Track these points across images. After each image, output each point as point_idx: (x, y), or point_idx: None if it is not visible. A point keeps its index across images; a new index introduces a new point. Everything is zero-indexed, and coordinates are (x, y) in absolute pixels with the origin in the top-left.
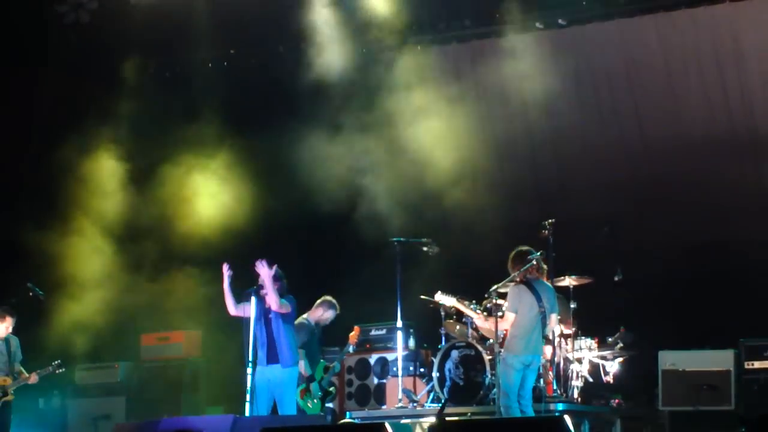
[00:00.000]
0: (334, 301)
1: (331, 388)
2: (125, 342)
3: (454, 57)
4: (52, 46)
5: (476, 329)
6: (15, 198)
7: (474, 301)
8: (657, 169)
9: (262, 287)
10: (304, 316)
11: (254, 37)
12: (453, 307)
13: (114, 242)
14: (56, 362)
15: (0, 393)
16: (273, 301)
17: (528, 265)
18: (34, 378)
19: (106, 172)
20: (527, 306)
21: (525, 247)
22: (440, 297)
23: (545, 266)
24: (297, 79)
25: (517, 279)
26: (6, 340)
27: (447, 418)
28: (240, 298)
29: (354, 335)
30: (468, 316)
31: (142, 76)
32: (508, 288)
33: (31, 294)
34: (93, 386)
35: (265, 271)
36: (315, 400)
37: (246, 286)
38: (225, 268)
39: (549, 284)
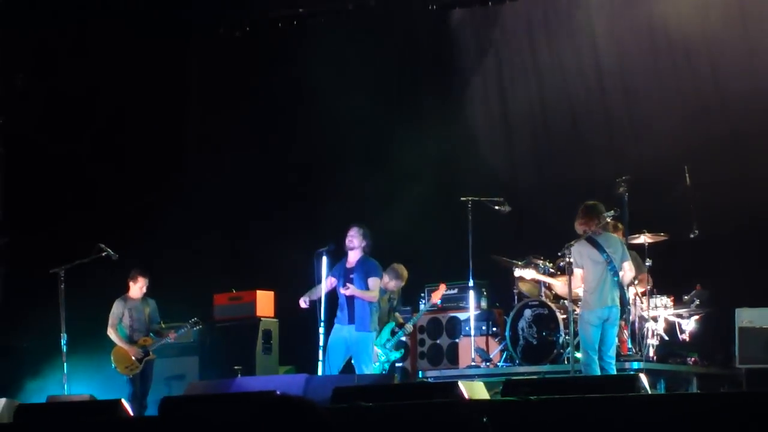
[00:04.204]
0: (401, 270)
1: (399, 349)
2: (198, 302)
3: (526, 12)
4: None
5: (549, 288)
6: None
7: (548, 260)
8: (734, 124)
9: (334, 247)
10: None
11: None
12: (533, 279)
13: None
14: (193, 320)
15: (143, 352)
16: (368, 298)
17: (599, 225)
18: (173, 336)
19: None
20: (589, 260)
21: (591, 202)
22: (519, 272)
23: (609, 221)
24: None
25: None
26: (144, 301)
27: (521, 377)
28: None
29: (438, 292)
30: (550, 284)
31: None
32: None
33: (103, 254)
34: (167, 346)
35: (350, 293)
36: (376, 363)
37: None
38: (303, 303)
39: (615, 236)
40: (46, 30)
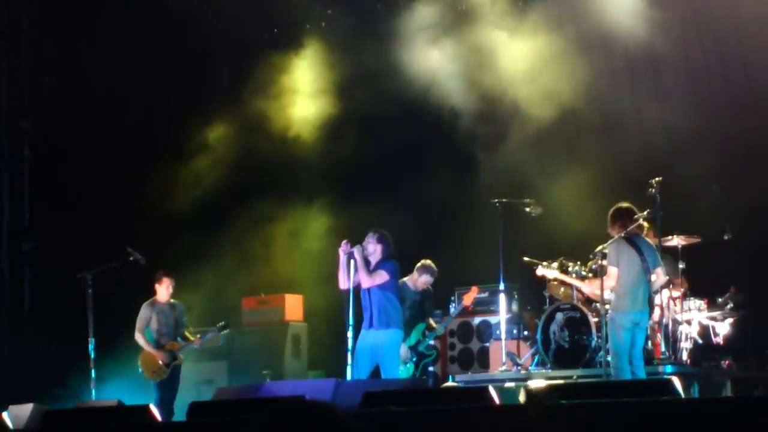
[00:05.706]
0: (431, 264)
1: (430, 352)
2: (226, 306)
3: (557, 6)
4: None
5: (581, 290)
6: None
7: (579, 263)
8: (766, 122)
9: (361, 249)
10: (404, 279)
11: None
12: (556, 279)
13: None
14: (220, 324)
15: (170, 357)
16: (362, 277)
17: (635, 225)
18: (198, 341)
19: (212, 137)
20: (627, 261)
21: (625, 204)
22: (542, 270)
23: (645, 224)
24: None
25: (615, 235)
26: (171, 305)
27: (554, 382)
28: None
29: (470, 295)
30: (574, 285)
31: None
32: None
33: (131, 258)
34: (195, 351)
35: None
36: (407, 365)
37: None
38: (344, 246)
39: (649, 241)
40: (72, 33)
